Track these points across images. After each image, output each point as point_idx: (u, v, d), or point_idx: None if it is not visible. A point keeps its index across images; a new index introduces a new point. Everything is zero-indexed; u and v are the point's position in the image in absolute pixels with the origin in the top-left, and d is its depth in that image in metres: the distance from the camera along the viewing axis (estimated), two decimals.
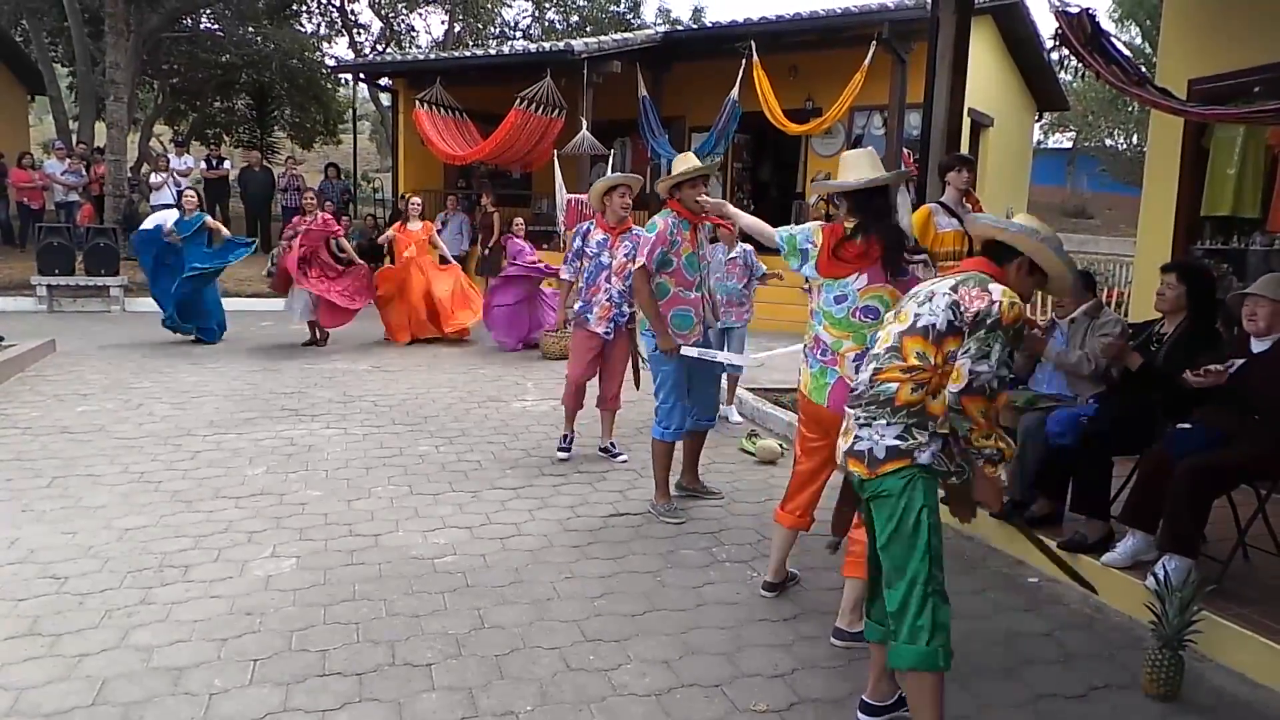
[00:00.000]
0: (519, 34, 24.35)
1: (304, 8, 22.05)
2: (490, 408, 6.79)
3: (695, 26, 17.12)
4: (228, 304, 9.69)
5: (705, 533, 4.31)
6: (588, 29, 23.00)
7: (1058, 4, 4.30)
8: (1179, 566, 3.29)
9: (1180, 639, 2.89)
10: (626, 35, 14.10)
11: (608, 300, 5.30)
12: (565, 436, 5.56)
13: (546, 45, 14.49)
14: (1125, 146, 25.62)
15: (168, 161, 14.83)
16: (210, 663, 2.98)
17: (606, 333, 5.31)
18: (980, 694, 2.92)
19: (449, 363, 8.58)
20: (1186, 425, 3.60)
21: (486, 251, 12.42)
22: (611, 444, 5.55)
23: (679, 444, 4.61)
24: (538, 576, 3.75)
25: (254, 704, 2.74)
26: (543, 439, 5.91)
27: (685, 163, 4.38)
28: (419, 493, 4.79)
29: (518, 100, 11.96)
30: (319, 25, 22.80)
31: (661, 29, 15.42)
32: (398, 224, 9.85)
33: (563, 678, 2.95)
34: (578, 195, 11.08)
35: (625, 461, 5.42)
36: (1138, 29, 22.80)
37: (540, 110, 12.02)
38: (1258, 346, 3.58)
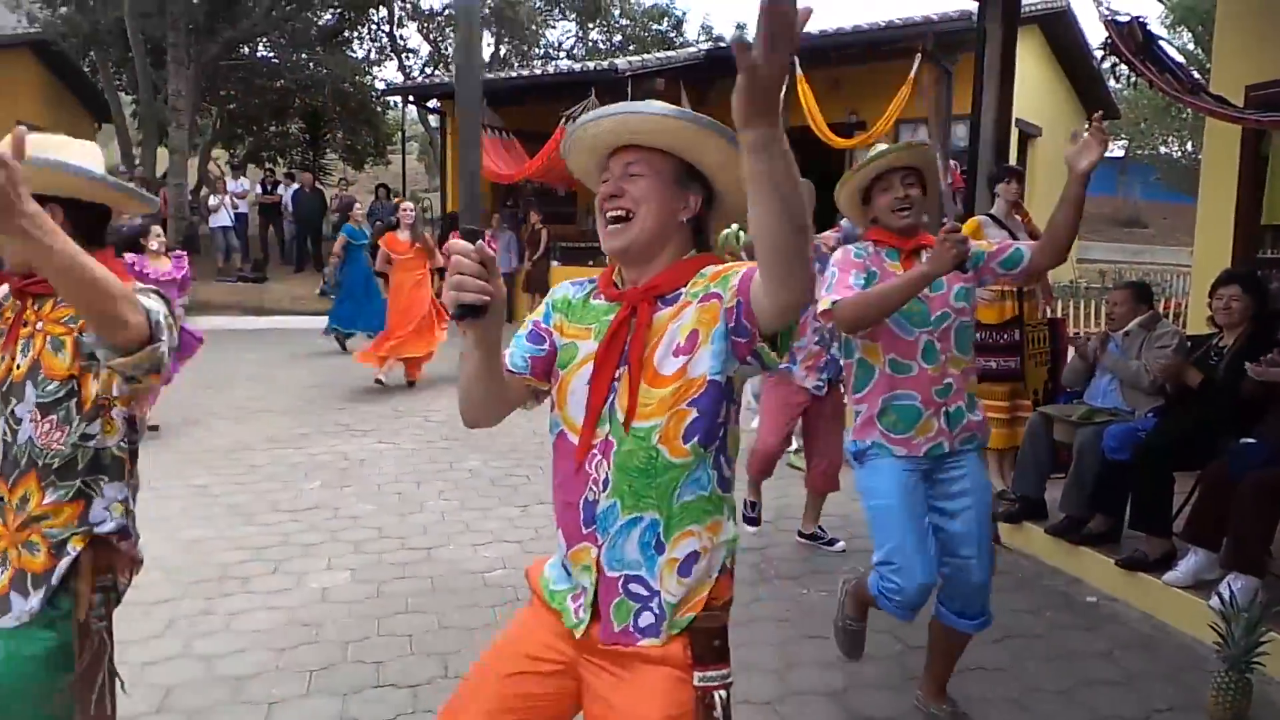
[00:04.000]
0: (563, 54, 24.68)
1: (355, 34, 22.58)
2: (538, 422, 6.81)
3: None
4: (282, 322, 9.90)
5: (753, 548, 4.28)
6: (631, 48, 23.18)
7: (1107, 13, 4.24)
8: (1245, 586, 3.20)
9: (1247, 661, 2.81)
10: (670, 54, 14.21)
11: (818, 343, 3.99)
12: (752, 504, 4.35)
13: (591, 65, 14.66)
14: (1180, 154, 25.01)
15: (225, 184, 15.30)
16: (269, 672, 3.05)
17: (817, 386, 4.07)
18: (1038, 714, 2.87)
19: None
20: (1249, 440, 3.51)
21: (531, 266, 12.67)
22: (820, 529, 4.31)
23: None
24: None
25: (312, 714, 2.80)
26: None
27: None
28: (469, 507, 4.86)
29: (563, 119, 12.09)
30: (369, 50, 23.34)
31: (705, 46, 15.50)
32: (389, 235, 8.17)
33: None
34: None
35: (843, 550, 4.23)
36: (1190, 35, 22.32)
37: None
38: None
